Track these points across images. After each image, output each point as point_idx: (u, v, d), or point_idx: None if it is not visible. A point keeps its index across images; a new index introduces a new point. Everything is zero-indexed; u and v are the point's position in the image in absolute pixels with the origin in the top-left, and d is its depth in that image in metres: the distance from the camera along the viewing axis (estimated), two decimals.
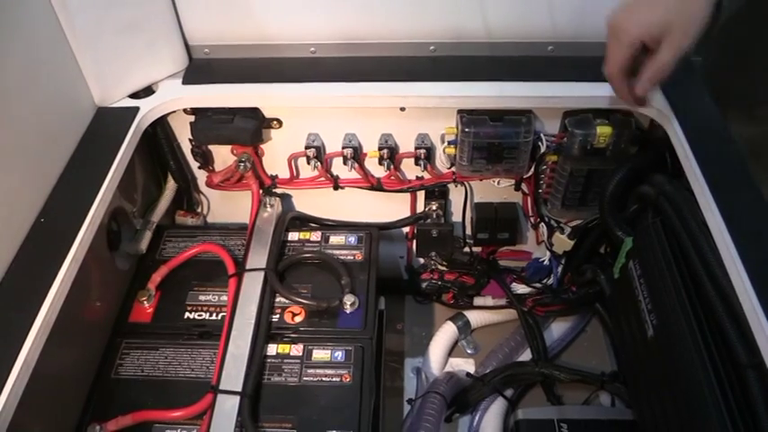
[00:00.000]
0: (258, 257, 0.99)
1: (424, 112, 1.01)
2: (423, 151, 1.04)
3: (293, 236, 1.06)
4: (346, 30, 0.99)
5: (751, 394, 0.68)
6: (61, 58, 0.86)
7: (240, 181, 1.11)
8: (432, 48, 1.00)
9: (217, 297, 0.98)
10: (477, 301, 1.22)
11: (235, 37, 1.00)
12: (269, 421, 0.84)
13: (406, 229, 1.20)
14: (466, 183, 1.11)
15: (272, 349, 0.92)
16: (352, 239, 1.06)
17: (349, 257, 1.03)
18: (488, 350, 1.18)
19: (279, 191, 1.14)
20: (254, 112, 1.02)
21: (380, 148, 1.04)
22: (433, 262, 1.22)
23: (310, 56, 1.02)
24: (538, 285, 1.21)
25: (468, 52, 1.00)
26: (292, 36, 1.00)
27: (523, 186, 1.10)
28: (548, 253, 1.19)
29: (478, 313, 1.21)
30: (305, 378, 0.89)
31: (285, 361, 0.90)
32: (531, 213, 1.15)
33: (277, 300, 0.97)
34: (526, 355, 1.17)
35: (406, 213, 1.16)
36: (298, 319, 0.95)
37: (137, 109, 0.94)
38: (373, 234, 1.07)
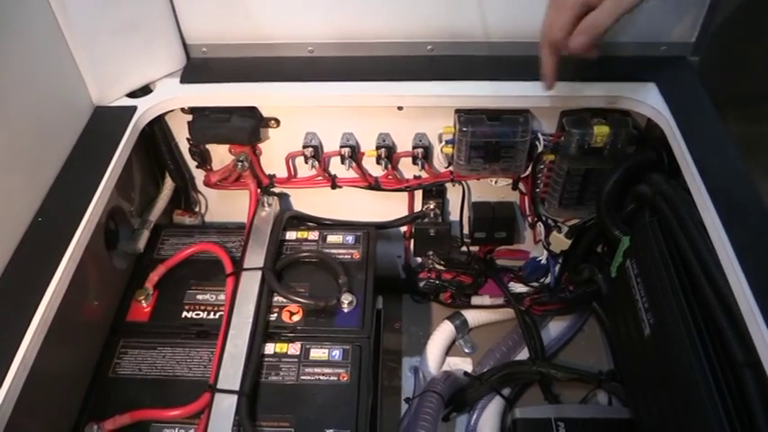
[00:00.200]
0: (256, 257, 0.99)
1: (422, 112, 1.01)
2: (420, 150, 1.04)
3: (291, 235, 1.07)
4: (344, 29, 0.99)
5: (747, 393, 0.68)
6: (59, 58, 0.86)
7: (238, 180, 1.11)
8: (429, 47, 1.00)
9: (214, 296, 0.98)
10: (475, 300, 1.22)
11: (232, 36, 1.00)
12: (266, 420, 0.84)
13: (403, 229, 1.20)
14: (463, 182, 1.11)
15: (270, 348, 0.92)
16: (350, 239, 1.06)
17: (347, 257, 1.03)
18: (486, 349, 1.18)
19: (276, 190, 1.14)
20: (251, 112, 1.02)
21: (378, 148, 1.05)
22: (430, 261, 1.22)
23: (308, 55, 1.01)
24: (535, 284, 1.21)
25: (466, 52, 1.00)
26: (290, 35, 1.00)
27: (521, 186, 1.10)
28: (545, 252, 1.19)
29: (476, 312, 1.21)
30: (302, 377, 0.89)
31: (283, 360, 0.91)
32: (528, 212, 1.15)
33: (275, 299, 0.97)
34: (523, 354, 1.17)
35: (404, 212, 1.16)
36: (295, 318, 0.95)
37: (134, 108, 0.94)
38: (371, 233, 1.07)
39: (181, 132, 1.06)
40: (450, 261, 1.22)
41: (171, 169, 1.09)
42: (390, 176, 1.09)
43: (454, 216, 1.18)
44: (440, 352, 1.17)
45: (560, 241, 1.18)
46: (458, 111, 0.99)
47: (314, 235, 1.07)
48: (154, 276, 0.99)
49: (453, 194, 1.15)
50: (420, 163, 1.06)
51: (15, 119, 0.77)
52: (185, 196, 1.15)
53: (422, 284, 1.24)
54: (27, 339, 0.66)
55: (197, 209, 1.19)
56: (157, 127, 1.02)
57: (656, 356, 0.85)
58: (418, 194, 1.14)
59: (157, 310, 0.97)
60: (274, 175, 1.12)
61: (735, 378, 0.70)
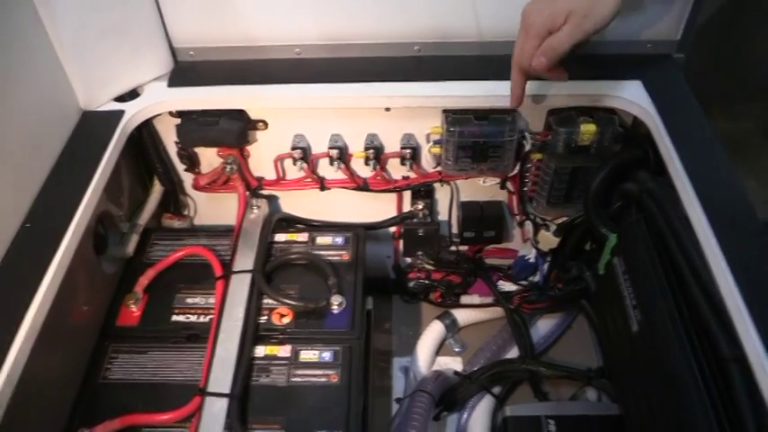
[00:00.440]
0: (245, 259, 0.99)
1: (410, 112, 1.01)
2: (408, 151, 1.05)
3: (280, 237, 1.06)
4: (331, 31, 0.99)
5: (733, 387, 0.68)
6: (46, 63, 0.86)
7: (227, 183, 1.11)
8: (416, 48, 1.00)
9: (204, 300, 0.98)
10: (464, 299, 1.22)
11: (220, 39, 1.00)
12: (257, 422, 0.84)
13: (392, 229, 1.20)
14: (452, 182, 1.11)
15: (260, 351, 0.92)
16: (339, 240, 1.06)
17: (336, 258, 1.03)
18: (476, 348, 1.18)
19: (265, 192, 1.14)
20: (239, 114, 1.02)
21: (366, 149, 1.05)
22: (419, 261, 1.22)
23: (295, 57, 1.02)
24: (524, 283, 1.22)
25: (453, 52, 1.00)
26: (277, 37, 1.00)
27: (509, 185, 1.11)
28: (534, 250, 1.19)
29: (465, 312, 1.21)
30: (293, 379, 0.89)
31: (273, 362, 0.90)
32: (516, 211, 1.15)
33: (264, 301, 0.97)
34: (513, 353, 1.17)
35: (393, 213, 1.17)
36: (285, 320, 0.95)
37: (122, 112, 0.94)
38: (360, 234, 1.07)
39: (169, 136, 1.06)
40: (439, 261, 1.23)
41: (159, 173, 1.09)
42: (379, 177, 1.10)
43: (443, 216, 1.19)
44: (430, 351, 1.17)
45: (549, 239, 1.18)
46: (445, 111, 0.99)
47: (303, 237, 1.07)
48: (143, 280, 0.99)
49: (442, 194, 1.16)
50: (408, 163, 1.06)
51: (2, 124, 0.76)
52: (174, 200, 1.15)
53: (411, 284, 1.24)
54: (16, 345, 0.66)
55: (186, 212, 1.19)
56: (145, 131, 1.02)
57: (643, 352, 0.85)
58: (407, 195, 1.14)
59: (147, 314, 0.97)
60: (263, 178, 1.12)
61: (721, 373, 0.71)
